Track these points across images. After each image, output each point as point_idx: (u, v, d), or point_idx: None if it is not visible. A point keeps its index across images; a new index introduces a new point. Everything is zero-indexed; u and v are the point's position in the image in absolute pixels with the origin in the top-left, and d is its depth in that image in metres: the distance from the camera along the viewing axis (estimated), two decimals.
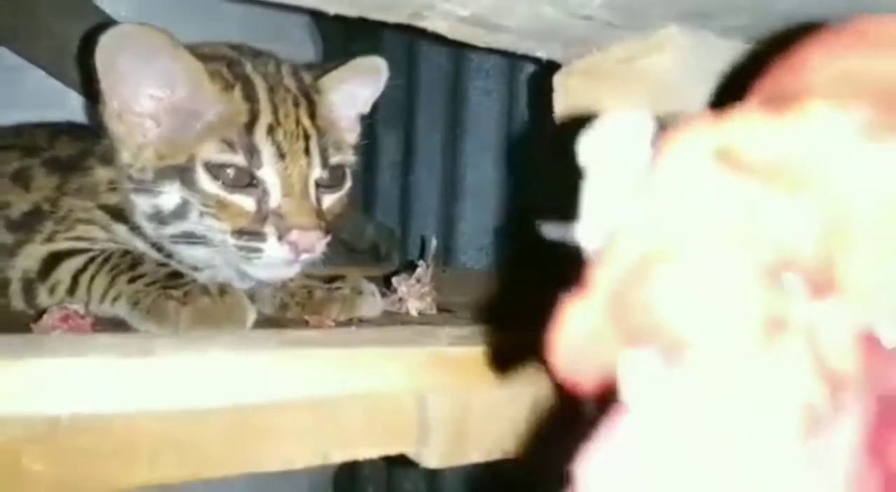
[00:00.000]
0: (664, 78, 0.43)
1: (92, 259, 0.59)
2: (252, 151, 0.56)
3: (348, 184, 0.65)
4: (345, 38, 1.57)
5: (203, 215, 0.57)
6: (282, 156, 0.57)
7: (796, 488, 0.17)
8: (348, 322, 0.61)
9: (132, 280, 0.55)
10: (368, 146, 1.49)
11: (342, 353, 0.40)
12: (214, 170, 0.56)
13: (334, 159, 0.62)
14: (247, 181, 0.57)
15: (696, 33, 0.43)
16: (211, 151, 0.56)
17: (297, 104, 0.61)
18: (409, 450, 0.42)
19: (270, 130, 0.58)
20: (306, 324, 0.60)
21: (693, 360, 0.18)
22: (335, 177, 0.63)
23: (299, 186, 0.58)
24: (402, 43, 1.39)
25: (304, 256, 0.57)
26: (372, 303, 0.64)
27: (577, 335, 0.20)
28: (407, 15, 0.42)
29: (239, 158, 0.56)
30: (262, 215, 0.57)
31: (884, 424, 0.18)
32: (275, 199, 0.57)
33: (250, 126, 0.57)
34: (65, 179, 0.66)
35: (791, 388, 0.18)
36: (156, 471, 0.36)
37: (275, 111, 0.59)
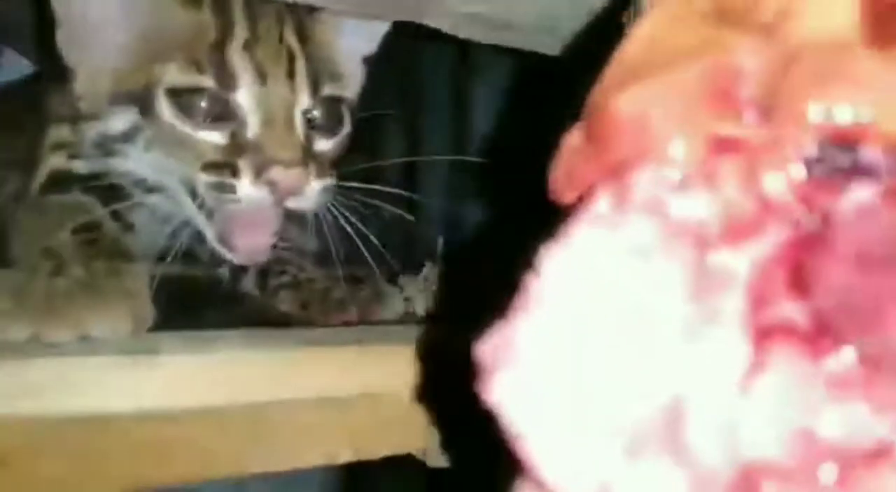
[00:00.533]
0: None
1: None
2: (224, 71, 0.47)
3: (347, 127, 0.54)
4: None
5: (159, 150, 0.48)
6: (261, 76, 0.48)
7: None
8: (356, 321, 0.61)
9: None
10: (373, 147, 1.49)
11: (350, 352, 0.39)
12: (179, 98, 0.47)
13: (327, 90, 0.51)
14: (218, 110, 0.47)
15: None
16: (175, 73, 0.46)
17: (280, 20, 0.51)
18: (417, 450, 0.42)
19: (247, 46, 0.48)
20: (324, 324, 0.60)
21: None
22: (330, 115, 0.52)
23: (282, 112, 0.48)
24: (405, 42, 1.39)
25: (290, 202, 0.47)
26: (392, 305, 0.62)
27: (567, 154, 0.21)
28: (410, 13, 0.42)
29: (208, 80, 0.46)
30: (236, 148, 0.46)
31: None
32: (252, 128, 0.47)
33: (221, 41, 0.48)
34: None
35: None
36: (163, 471, 0.36)
37: (252, 26, 0.49)
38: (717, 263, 0.17)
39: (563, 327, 0.18)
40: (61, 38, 0.49)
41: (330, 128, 0.52)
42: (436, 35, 0.44)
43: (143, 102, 0.47)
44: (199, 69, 0.47)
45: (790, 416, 0.16)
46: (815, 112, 0.17)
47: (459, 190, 1.23)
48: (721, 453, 0.17)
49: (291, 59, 0.50)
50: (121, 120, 0.48)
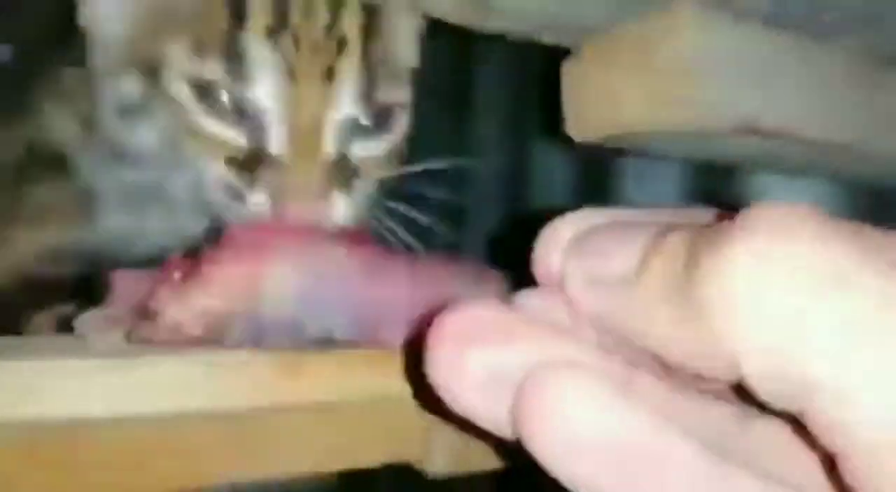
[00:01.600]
0: (680, 63, 0.41)
1: None
2: (237, 58, 0.38)
3: (401, 128, 0.46)
4: None
5: (171, 131, 0.41)
6: (290, 73, 0.38)
7: None
8: None
9: None
10: None
11: (342, 355, 0.38)
12: (188, 77, 0.40)
13: (381, 95, 0.42)
14: (232, 108, 0.39)
15: (714, 15, 0.41)
16: (180, 54, 0.39)
17: (336, 3, 0.40)
18: (413, 457, 0.40)
19: (271, 33, 0.38)
20: None
21: None
22: (379, 120, 0.43)
23: (310, 126, 0.39)
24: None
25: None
26: None
27: None
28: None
29: (214, 68, 0.38)
30: (254, 154, 0.39)
31: None
32: (275, 141, 0.39)
33: (236, 20, 0.39)
34: None
35: None
36: (150, 478, 0.34)
37: (280, 9, 0.39)
38: None
39: None
40: (83, 9, 0.43)
41: (378, 130, 0.44)
42: None
43: (151, 75, 0.40)
44: (204, 53, 0.39)
45: None
46: None
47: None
48: None
49: (338, 51, 0.40)
50: (131, 83, 0.42)
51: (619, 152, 0.86)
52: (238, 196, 0.40)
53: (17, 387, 0.31)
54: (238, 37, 0.38)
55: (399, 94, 0.45)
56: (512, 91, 1.14)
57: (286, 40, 0.38)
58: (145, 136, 0.42)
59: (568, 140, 0.48)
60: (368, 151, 0.43)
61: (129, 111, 0.42)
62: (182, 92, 0.39)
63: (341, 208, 0.40)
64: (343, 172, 0.40)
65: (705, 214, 0.19)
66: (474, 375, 0.17)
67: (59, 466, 0.33)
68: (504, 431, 0.17)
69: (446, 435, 0.40)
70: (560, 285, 0.18)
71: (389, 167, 0.45)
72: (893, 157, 0.51)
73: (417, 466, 0.41)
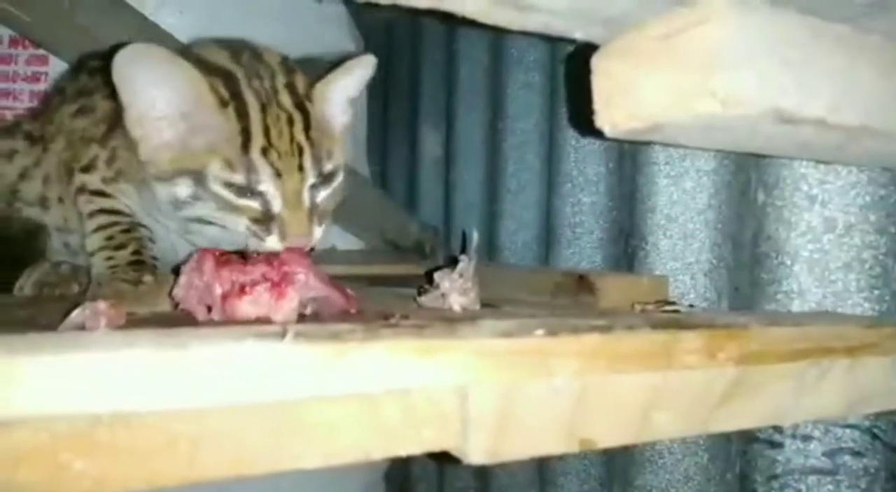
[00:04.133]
0: (707, 54, 0.41)
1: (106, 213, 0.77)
2: (251, 170, 0.65)
3: (340, 178, 0.73)
4: (385, 36, 1.57)
5: (216, 209, 0.67)
6: (278, 174, 0.66)
7: None
8: (390, 316, 0.60)
9: (107, 258, 0.73)
10: (410, 144, 1.49)
11: (383, 346, 0.39)
12: (224, 181, 0.65)
13: (327, 167, 0.70)
14: (250, 193, 0.66)
15: (744, 3, 0.40)
16: (217, 169, 0.65)
17: (290, 122, 0.68)
18: (452, 446, 0.41)
19: (265, 152, 0.65)
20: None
21: None
22: (329, 177, 0.71)
23: (295, 198, 0.66)
24: (442, 41, 1.38)
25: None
26: None
27: None
28: None
29: (240, 177, 0.65)
30: (267, 216, 0.67)
31: None
32: (276, 206, 0.66)
33: (246, 146, 0.65)
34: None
35: None
36: (195, 468, 0.35)
37: (267, 132, 0.66)
38: None
39: None
40: (129, 121, 0.67)
41: (328, 183, 0.71)
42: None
43: (197, 177, 0.66)
44: (233, 168, 0.65)
45: None
46: None
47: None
48: None
49: (301, 154, 0.67)
50: (184, 188, 0.66)
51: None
52: (259, 238, 0.67)
53: (67, 379, 0.32)
54: (248, 157, 0.65)
55: (337, 158, 0.72)
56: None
57: (272, 154, 0.66)
58: (191, 212, 0.68)
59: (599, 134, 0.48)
60: (325, 199, 0.71)
61: (181, 201, 0.68)
62: (221, 189, 0.66)
63: (319, 236, 0.70)
64: (316, 214, 0.69)
65: None
66: None
67: (111, 454, 0.34)
68: None
69: (485, 424, 0.40)
70: None
71: (335, 205, 0.75)
72: None
73: (457, 454, 0.41)
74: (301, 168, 0.67)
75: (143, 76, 0.64)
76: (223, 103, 0.66)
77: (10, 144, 0.92)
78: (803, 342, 0.51)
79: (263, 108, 0.67)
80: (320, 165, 0.69)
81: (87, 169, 0.79)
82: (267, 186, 0.65)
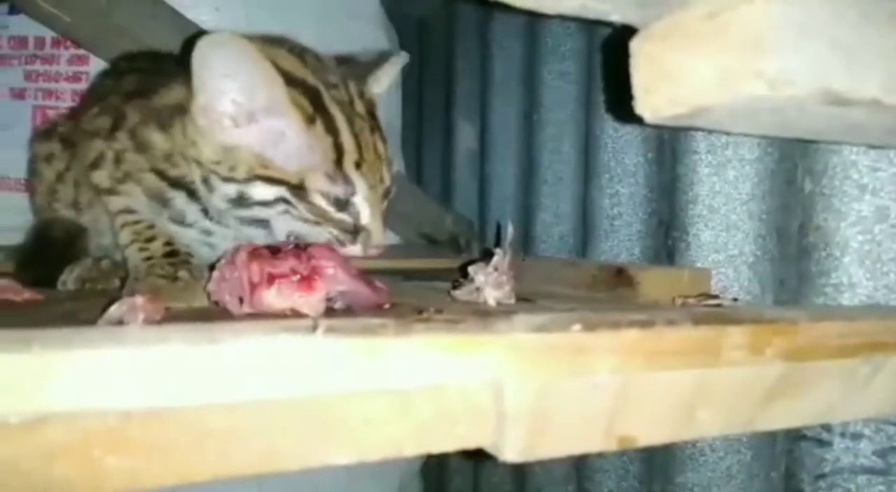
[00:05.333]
0: (755, 34, 0.39)
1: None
2: (347, 184, 0.67)
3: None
4: (418, 29, 1.56)
5: (301, 218, 0.68)
6: (371, 187, 0.68)
7: None
8: (423, 310, 0.60)
9: (141, 249, 0.73)
10: (445, 138, 1.49)
11: (415, 341, 0.38)
12: (325, 194, 0.67)
13: (395, 168, 0.73)
14: (344, 204, 0.68)
15: None
16: (319, 183, 0.66)
17: (372, 131, 0.70)
18: (487, 443, 0.40)
19: (358, 166, 0.67)
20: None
21: None
22: (393, 180, 0.73)
23: (379, 208, 0.69)
24: (476, 33, 1.37)
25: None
26: None
27: None
28: None
29: (339, 190, 0.67)
30: (356, 227, 0.69)
31: None
32: (365, 218, 0.69)
33: (339, 161, 0.67)
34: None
35: None
36: (227, 464, 0.35)
37: (358, 146, 0.68)
38: None
39: None
40: (195, 108, 0.65)
41: (393, 185, 0.73)
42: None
43: (296, 191, 0.66)
44: (334, 182, 0.67)
45: None
46: None
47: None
48: None
49: (381, 163, 0.70)
50: (268, 192, 0.66)
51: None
52: (341, 244, 0.69)
53: (99, 374, 0.32)
54: (343, 172, 0.67)
55: (395, 164, 0.75)
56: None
57: (365, 167, 0.68)
58: (260, 214, 0.69)
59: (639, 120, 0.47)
60: (389, 201, 0.74)
61: (254, 202, 0.68)
62: (321, 199, 0.67)
63: (389, 241, 0.74)
64: (385, 218, 0.72)
65: None
66: None
67: (143, 451, 0.34)
68: None
69: (521, 421, 0.39)
70: None
71: None
72: None
73: (492, 452, 0.40)
74: (382, 179, 0.70)
75: (220, 64, 0.62)
76: (310, 119, 0.66)
77: (48, 147, 0.94)
78: (854, 337, 0.49)
79: (349, 121, 0.68)
80: (391, 171, 0.71)
81: (94, 165, 0.78)
82: (360, 198, 0.68)
